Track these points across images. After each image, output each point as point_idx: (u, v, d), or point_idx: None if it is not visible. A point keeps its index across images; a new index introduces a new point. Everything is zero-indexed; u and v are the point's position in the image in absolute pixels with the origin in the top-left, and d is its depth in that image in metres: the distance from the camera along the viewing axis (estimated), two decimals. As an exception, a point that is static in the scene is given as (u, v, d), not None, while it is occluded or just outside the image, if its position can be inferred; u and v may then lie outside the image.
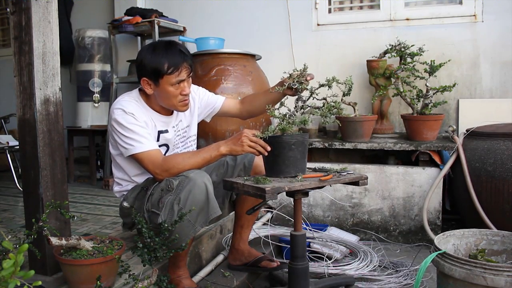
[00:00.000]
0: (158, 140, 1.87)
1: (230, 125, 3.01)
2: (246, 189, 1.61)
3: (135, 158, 1.76)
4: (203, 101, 2.07)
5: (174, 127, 1.95)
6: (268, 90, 2.01)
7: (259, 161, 2.00)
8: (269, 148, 1.67)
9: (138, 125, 1.75)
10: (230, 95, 3.02)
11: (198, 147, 2.08)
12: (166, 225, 1.57)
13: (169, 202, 1.65)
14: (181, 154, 1.83)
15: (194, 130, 2.07)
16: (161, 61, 1.74)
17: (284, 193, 1.68)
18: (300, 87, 1.78)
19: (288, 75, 1.81)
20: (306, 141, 1.69)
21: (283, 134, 1.67)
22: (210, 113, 2.12)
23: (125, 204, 1.88)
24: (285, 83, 1.84)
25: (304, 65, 1.79)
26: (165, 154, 1.94)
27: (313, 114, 1.79)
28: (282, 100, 1.90)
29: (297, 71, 1.81)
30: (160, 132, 1.88)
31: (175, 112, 1.95)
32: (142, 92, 1.88)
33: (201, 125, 2.18)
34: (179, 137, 1.98)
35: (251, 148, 1.68)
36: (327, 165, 1.87)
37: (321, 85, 1.79)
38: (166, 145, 1.93)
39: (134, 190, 1.87)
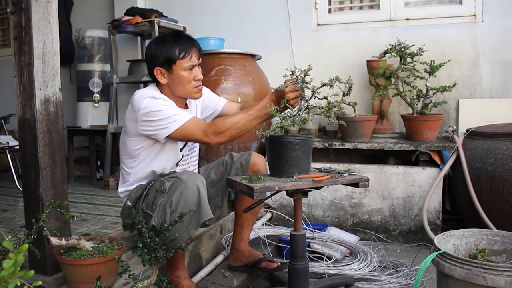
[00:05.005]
0: None
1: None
2: (241, 187, 1.62)
3: (178, 134, 1.75)
4: (206, 100, 2.10)
5: None
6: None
7: (257, 159, 2.00)
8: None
9: (171, 106, 1.79)
10: (230, 95, 3.02)
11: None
12: (166, 225, 1.57)
13: (162, 204, 1.66)
14: (231, 116, 1.80)
15: None
16: (172, 47, 1.80)
17: (284, 193, 1.69)
18: (303, 86, 1.78)
19: (290, 73, 1.81)
20: (310, 141, 1.69)
21: (286, 133, 1.67)
22: (211, 114, 2.13)
23: (128, 203, 1.88)
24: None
25: (309, 65, 1.79)
26: (183, 148, 1.95)
27: (317, 114, 1.78)
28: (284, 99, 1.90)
29: (301, 70, 1.81)
30: None
31: (189, 106, 1.98)
32: (158, 87, 1.91)
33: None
34: None
35: (297, 99, 1.74)
36: (334, 166, 1.86)
37: (324, 85, 1.79)
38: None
39: (137, 191, 1.88)
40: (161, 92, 1.88)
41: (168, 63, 1.81)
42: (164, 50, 1.81)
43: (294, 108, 1.74)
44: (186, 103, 1.98)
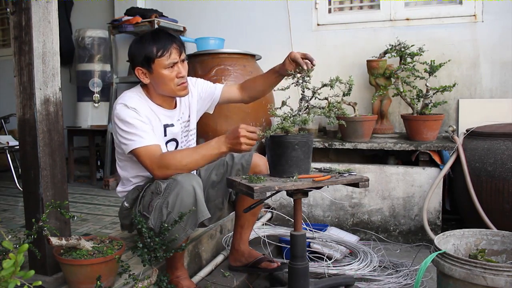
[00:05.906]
0: (165, 135, 1.86)
1: (230, 124, 3.01)
2: (241, 187, 1.61)
3: (134, 154, 1.73)
4: (202, 93, 2.04)
5: (179, 120, 1.94)
6: (267, 72, 2.00)
7: (258, 160, 2.00)
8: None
9: (140, 120, 1.73)
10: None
11: (197, 143, 2.06)
12: (166, 225, 1.57)
13: (158, 205, 1.65)
14: (180, 151, 1.79)
15: (193, 125, 2.04)
16: (149, 46, 1.76)
17: (284, 193, 1.69)
18: (305, 70, 1.78)
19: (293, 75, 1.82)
20: (310, 141, 1.69)
21: (286, 134, 1.67)
22: (211, 104, 2.09)
23: (125, 204, 1.88)
24: (286, 68, 1.85)
25: (311, 67, 1.81)
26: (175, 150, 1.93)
27: (317, 114, 1.78)
28: (284, 99, 1.90)
29: (303, 70, 1.82)
30: (166, 126, 1.87)
31: (178, 105, 1.94)
32: (144, 87, 1.88)
33: (201, 125, 2.17)
34: (182, 130, 1.96)
35: (250, 146, 1.65)
36: (334, 166, 1.86)
37: (324, 85, 1.79)
38: (175, 140, 1.91)
39: (134, 192, 1.87)
40: (146, 93, 1.85)
41: (147, 62, 1.77)
42: (142, 49, 1.77)
43: (241, 148, 1.64)
44: (175, 103, 1.94)
